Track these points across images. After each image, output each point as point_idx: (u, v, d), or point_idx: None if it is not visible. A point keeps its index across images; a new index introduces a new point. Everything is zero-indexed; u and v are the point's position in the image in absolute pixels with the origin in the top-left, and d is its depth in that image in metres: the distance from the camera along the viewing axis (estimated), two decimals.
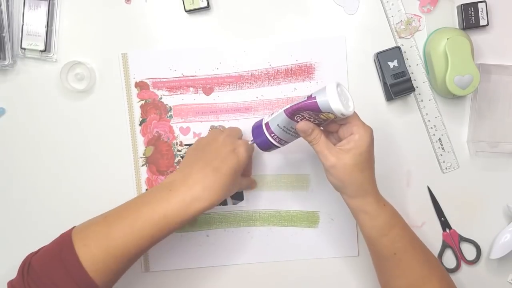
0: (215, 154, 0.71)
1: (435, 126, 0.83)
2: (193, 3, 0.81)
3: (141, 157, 0.84)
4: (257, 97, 0.83)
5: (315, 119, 0.68)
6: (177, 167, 0.83)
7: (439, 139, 0.83)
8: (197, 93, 0.83)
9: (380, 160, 0.83)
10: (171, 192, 0.69)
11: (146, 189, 0.84)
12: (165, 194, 0.69)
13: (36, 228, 0.84)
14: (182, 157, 0.84)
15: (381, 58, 0.80)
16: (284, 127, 0.70)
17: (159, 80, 0.83)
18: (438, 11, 0.82)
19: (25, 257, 0.69)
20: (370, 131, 0.69)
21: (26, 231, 0.84)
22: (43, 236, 0.84)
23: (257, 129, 0.73)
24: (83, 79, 0.82)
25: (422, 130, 0.83)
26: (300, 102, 0.67)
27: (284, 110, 0.69)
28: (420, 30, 0.82)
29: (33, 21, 0.81)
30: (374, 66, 0.83)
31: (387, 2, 0.82)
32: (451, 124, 0.83)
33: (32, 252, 0.70)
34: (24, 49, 0.81)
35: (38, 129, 0.83)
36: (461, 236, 0.84)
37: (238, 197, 0.84)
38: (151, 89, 0.83)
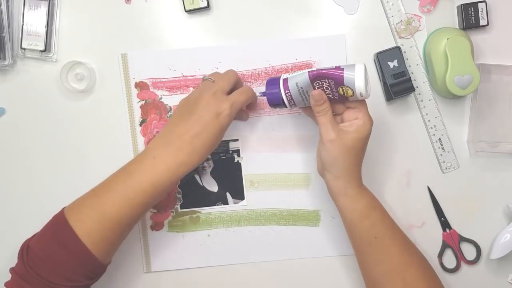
0: (197, 119, 0.72)
1: (435, 126, 0.83)
2: (193, 3, 0.81)
3: None
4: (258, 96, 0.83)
5: (331, 93, 0.70)
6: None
7: (439, 139, 0.83)
8: None
9: (380, 160, 0.84)
10: (155, 160, 0.71)
11: None
12: (150, 163, 0.71)
13: (36, 228, 0.84)
14: None
15: (381, 58, 0.80)
16: (301, 87, 0.71)
17: (159, 80, 0.83)
18: (438, 11, 0.82)
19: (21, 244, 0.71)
20: (372, 123, 0.72)
21: (26, 231, 0.84)
22: None
23: (272, 81, 0.74)
24: (83, 79, 0.82)
25: (422, 130, 0.83)
26: (327, 69, 0.69)
27: (308, 71, 0.70)
28: (420, 30, 0.82)
29: (33, 21, 0.81)
30: (374, 66, 0.83)
31: (387, 2, 0.82)
32: (451, 124, 0.83)
33: (28, 238, 0.72)
34: (24, 49, 0.81)
35: (38, 129, 0.83)
36: (461, 236, 0.84)
37: (239, 196, 0.84)
38: (151, 89, 0.83)
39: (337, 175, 0.72)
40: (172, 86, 0.83)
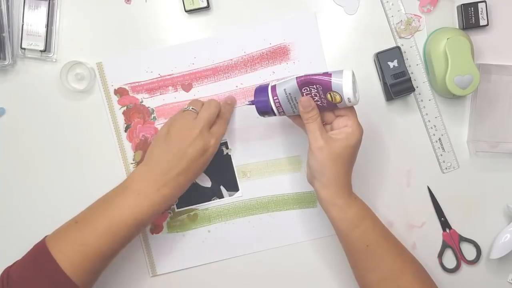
0: (183, 155, 0.74)
1: (435, 126, 0.83)
2: (193, 3, 0.81)
3: (132, 163, 0.83)
4: (236, 86, 0.83)
5: (319, 99, 0.70)
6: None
7: (439, 139, 0.83)
8: (177, 91, 0.83)
9: (380, 160, 0.84)
10: (139, 196, 0.72)
11: None
12: (134, 198, 0.72)
13: (34, 227, 0.84)
14: None
15: (381, 58, 0.80)
16: (289, 94, 0.71)
17: (137, 83, 0.83)
18: (438, 11, 0.82)
19: (1, 271, 0.71)
20: (361, 131, 0.71)
21: (25, 230, 0.84)
22: (40, 234, 0.84)
23: (260, 89, 0.73)
24: (83, 79, 0.82)
25: (422, 130, 0.83)
26: (315, 74, 0.69)
27: (296, 77, 0.70)
28: (420, 30, 0.82)
29: (33, 21, 0.81)
30: (374, 66, 0.83)
31: (387, 2, 0.82)
32: (451, 124, 0.83)
33: (9, 266, 0.72)
34: (24, 49, 0.81)
35: (38, 129, 0.83)
36: (461, 236, 0.84)
37: (233, 188, 0.84)
38: (130, 94, 0.83)
39: (325, 183, 0.71)
40: (151, 88, 0.83)
